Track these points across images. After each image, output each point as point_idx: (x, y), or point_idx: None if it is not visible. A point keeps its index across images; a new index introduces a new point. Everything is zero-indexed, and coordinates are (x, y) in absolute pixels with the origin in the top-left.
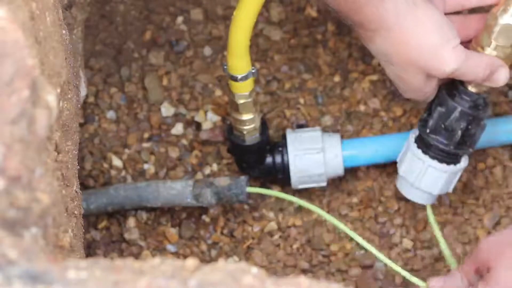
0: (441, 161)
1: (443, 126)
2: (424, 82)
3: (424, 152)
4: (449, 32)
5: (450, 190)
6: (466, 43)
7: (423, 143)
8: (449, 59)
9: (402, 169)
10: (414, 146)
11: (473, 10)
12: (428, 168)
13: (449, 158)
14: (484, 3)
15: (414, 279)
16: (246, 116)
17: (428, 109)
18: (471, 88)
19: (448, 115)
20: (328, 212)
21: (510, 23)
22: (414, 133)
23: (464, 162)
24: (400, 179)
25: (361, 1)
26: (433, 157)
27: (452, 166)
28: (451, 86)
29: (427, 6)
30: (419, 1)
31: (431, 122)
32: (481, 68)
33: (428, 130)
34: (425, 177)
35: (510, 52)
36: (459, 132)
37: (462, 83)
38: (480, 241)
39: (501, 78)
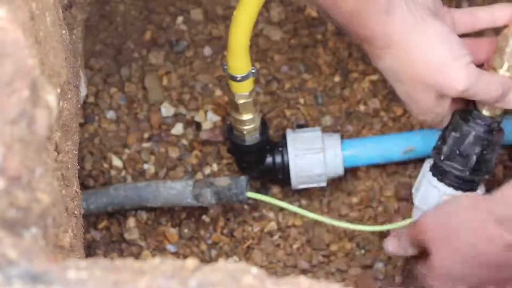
0: (457, 188)
1: (457, 152)
2: (435, 101)
3: (440, 179)
4: (459, 49)
5: None
6: (478, 67)
7: (438, 171)
8: (460, 76)
9: (417, 198)
10: (429, 174)
11: (482, 33)
12: (444, 196)
13: (465, 185)
14: (495, 24)
15: (369, 228)
16: (246, 116)
17: (442, 136)
18: (485, 112)
19: (463, 140)
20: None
21: None
22: (429, 162)
23: (481, 189)
24: (416, 210)
25: (367, 16)
26: (448, 185)
27: (468, 194)
28: (465, 111)
29: (435, 21)
30: (427, 16)
31: (445, 149)
32: (494, 87)
33: (442, 157)
34: None
35: None
36: (474, 157)
37: (475, 107)
38: (419, 221)
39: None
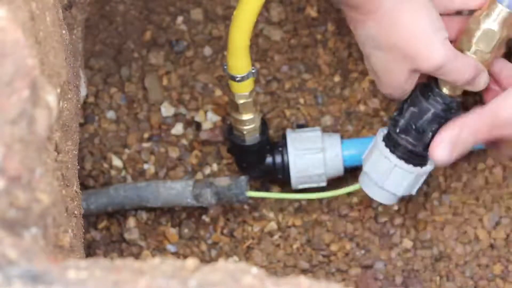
0: (408, 161)
1: (413, 127)
2: (407, 76)
3: (392, 151)
4: (440, 23)
5: (414, 192)
6: None
7: (391, 142)
8: (438, 51)
9: (367, 165)
10: (382, 144)
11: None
12: (395, 167)
13: (417, 159)
14: (467, 6)
15: (345, 189)
16: (246, 116)
17: (399, 108)
18: (446, 91)
19: (421, 116)
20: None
21: (492, 28)
22: (382, 131)
23: (430, 164)
24: (363, 176)
25: None
26: (400, 157)
27: (418, 168)
28: (426, 87)
29: None
30: None
31: (402, 122)
32: (468, 69)
33: (398, 130)
34: (390, 176)
35: (488, 58)
36: (430, 134)
37: (437, 85)
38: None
39: (482, 82)
